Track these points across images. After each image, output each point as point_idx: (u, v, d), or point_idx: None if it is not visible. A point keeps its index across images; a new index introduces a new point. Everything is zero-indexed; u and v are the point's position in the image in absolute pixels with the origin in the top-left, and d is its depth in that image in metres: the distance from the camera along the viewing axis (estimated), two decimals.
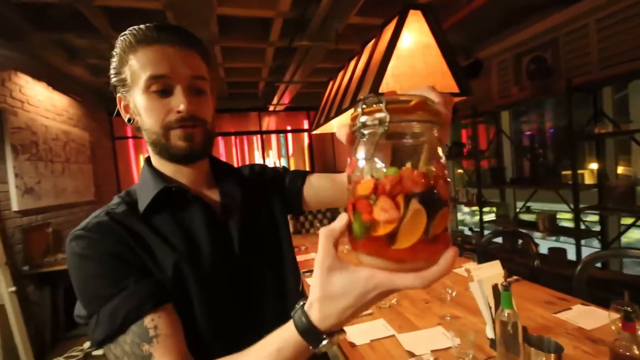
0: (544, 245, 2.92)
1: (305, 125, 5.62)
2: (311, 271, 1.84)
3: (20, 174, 2.54)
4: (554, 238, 3.97)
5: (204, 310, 0.51)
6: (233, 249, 0.57)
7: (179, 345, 0.46)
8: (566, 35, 2.66)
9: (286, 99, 4.48)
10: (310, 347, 0.35)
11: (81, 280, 0.48)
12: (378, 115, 0.28)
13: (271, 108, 4.96)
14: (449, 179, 0.30)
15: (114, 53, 0.54)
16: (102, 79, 3.67)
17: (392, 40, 1.33)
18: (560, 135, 3.44)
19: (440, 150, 0.31)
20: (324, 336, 0.35)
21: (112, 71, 0.55)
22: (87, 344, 2.63)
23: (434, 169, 0.29)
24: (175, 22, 2.39)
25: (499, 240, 3.26)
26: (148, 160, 0.61)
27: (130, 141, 4.78)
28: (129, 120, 0.57)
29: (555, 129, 3.55)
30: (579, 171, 2.66)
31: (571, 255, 2.54)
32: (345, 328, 1.08)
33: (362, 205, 0.29)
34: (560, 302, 1.21)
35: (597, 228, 2.60)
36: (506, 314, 0.81)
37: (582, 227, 2.51)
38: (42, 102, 3.00)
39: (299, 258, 2.16)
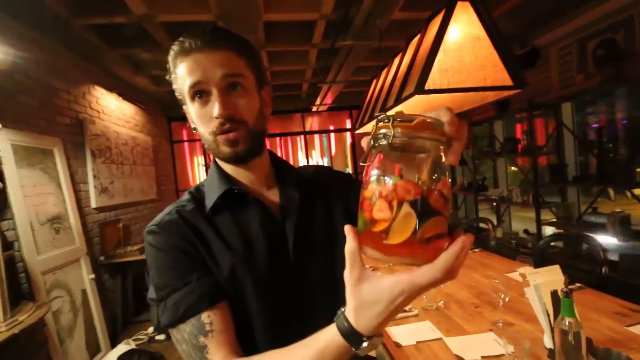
0: (616, 251, 2.61)
1: (348, 125, 5.62)
2: None
3: (97, 175, 2.89)
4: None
5: (256, 310, 0.55)
6: (288, 250, 0.59)
7: (231, 341, 0.51)
8: None
9: (329, 99, 4.53)
10: (353, 349, 0.39)
11: (155, 269, 0.55)
12: (385, 131, 0.33)
13: (314, 109, 5.05)
14: (448, 195, 0.34)
15: (168, 69, 0.57)
16: (163, 88, 4.02)
17: (438, 34, 1.30)
18: (634, 128, 3.05)
19: (442, 167, 0.34)
20: (364, 338, 0.38)
21: (173, 86, 0.58)
22: (151, 329, 2.92)
23: (430, 182, 0.33)
24: None
25: (560, 244, 2.98)
26: (216, 160, 0.64)
27: (186, 144, 5.17)
28: (194, 129, 0.60)
29: (629, 121, 3.15)
30: None
31: None
32: (390, 328, 1.08)
33: (366, 205, 0.35)
34: (634, 315, 1.09)
35: None
36: (567, 323, 0.75)
37: None
38: (114, 111, 3.37)
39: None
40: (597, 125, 3.26)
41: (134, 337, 2.81)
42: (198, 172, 5.25)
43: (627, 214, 2.50)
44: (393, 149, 0.34)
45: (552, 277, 0.94)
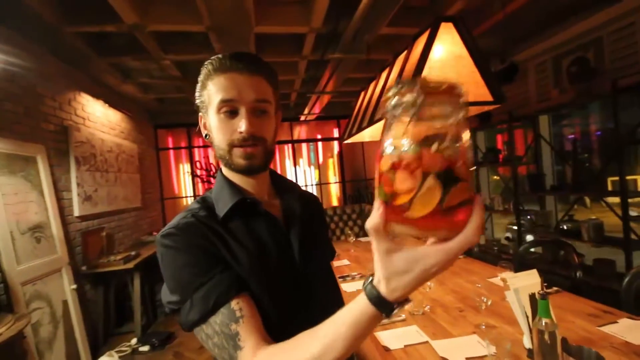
0: (591, 256, 2.74)
1: (336, 134, 5.70)
2: (344, 277, 1.89)
3: (81, 183, 2.83)
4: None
5: (268, 307, 0.58)
6: (294, 256, 0.65)
7: (260, 328, 0.53)
8: (611, 35, 2.54)
9: (317, 109, 4.60)
10: (384, 315, 0.41)
11: (175, 270, 0.56)
12: (410, 96, 0.31)
13: (302, 118, 5.11)
14: (470, 159, 0.34)
15: (199, 79, 0.63)
16: (150, 96, 3.99)
17: (424, 52, 1.37)
18: (606, 139, 3.24)
19: (464, 131, 0.33)
20: (395, 305, 0.40)
21: (196, 94, 0.64)
22: (134, 340, 2.84)
23: (454, 151, 0.32)
24: (217, 42, 2.59)
25: (539, 250, 3.11)
26: (222, 170, 0.69)
27: (172, 152, 5.12)
28: (206, 135, 0.66)
29: (602, 133, 3.34)
30: (628, 177, 2.49)
31: (621, 268, 2.38)
32: (379, 333, 1.14)
33: (385, 179, 0.34)
34: (605, 315, 1.16)
35: None
36: (544, 323, 0.81)
37: (634, 237, 2.34)
38: (100, 118, 3.33)
39: (333, 263, 2.22)
40: (572, 136, 3.44)
41: (116, 349, 2.73)
42: (184, 180, 5.19)
43: (600, 221, 2.64)
44: (418, 116, 0.31)
45: (530, 281, 1.00)
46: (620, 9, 2.39)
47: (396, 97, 0.32)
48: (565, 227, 2.88)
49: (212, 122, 0.62)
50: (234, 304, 0.53)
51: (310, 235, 0.69)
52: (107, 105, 3.46)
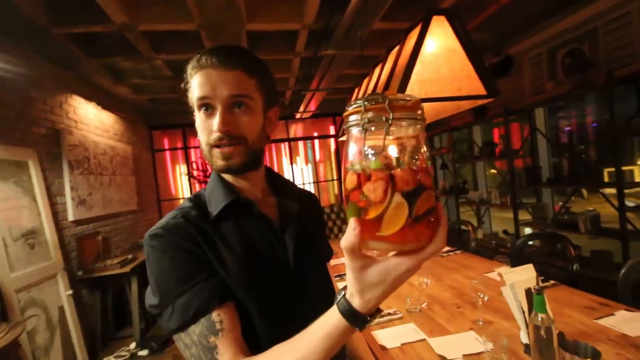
0: (588, 248, 2.75)
1: (332, 131, 5.68)
2: (341, 275, 1.88)
3: (75, 187, 2.80)
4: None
5: (259, 312, 0.57)
6: (288, 257, 0.63)
7: (238, 339, 0.52)
8: (606, 25, 2.52)
9: (313, 106, 4.57)
10: (357, 329, 0.41)
11: (159, 274, 0.55)
12: (377, 113, 0.32)
13: (298, 115, 5.08)
14: (430, 166, 0.35)
15: (185, 76, 0.61)
16: (143, 96, 3.96)
17: (416, 46, 1.35)
18: (603, 131, 3.24)
19: (425, 142, 0.35)
20: (368, 318, 0.41)
21: (188, 94, 0.62)
22: (133, 345, 2.83)
23: (419, 162, 0.33)
24: (209, 40, 2.56)
25: (537, 243, 3.11)
26: None
27: (167, 153, 5.08)
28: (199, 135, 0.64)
29: (598, 124, 3.34)
30: (624, 168, 2.48)
31: (618, 259, 2.38)
32: (376, 332, 1.14)
33: (355, 195, 0.34)
34: (602, 308, 1.16)
35: None
36: (540, 318, 0.80)
37: (630, 228, 2.34)
38: (93, 121, 3.29)
39: (330, 263, 2.21)
40: (568, 128, 3.44)
41: (115, 354, 2.71)
42: (180, 181, 5.16)
43: (597, 212, 2.64)
44: (388, 132, 0.32)
45: (526, 275, 0.99)
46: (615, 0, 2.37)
47: (363, 114, 0.33)
48: (562, 219, 2.88)
49: (196, 121, 0.60)
50: (215, 315, 0.51)
51: (306, 235, 0.67)
52: (99, 107, 3.42)
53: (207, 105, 0.58)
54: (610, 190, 2.40)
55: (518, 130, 3.81)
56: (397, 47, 1.57)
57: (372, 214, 0.33)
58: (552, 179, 3.03)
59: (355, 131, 0.34)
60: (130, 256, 3.01)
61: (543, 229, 2.90)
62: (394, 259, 0.37)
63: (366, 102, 0.33)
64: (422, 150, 0.34)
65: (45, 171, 2.51)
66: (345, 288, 0.42)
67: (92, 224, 3.06)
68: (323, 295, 0.67)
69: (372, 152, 0.33)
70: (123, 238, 3.62)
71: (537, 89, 3.12)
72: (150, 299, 0.55)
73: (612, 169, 2.35)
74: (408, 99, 0.33)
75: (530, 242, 3.17)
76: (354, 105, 0.34)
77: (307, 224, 0.69)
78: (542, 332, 0.78)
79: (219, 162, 0.59)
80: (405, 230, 0.33)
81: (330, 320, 0.43)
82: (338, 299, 0.42)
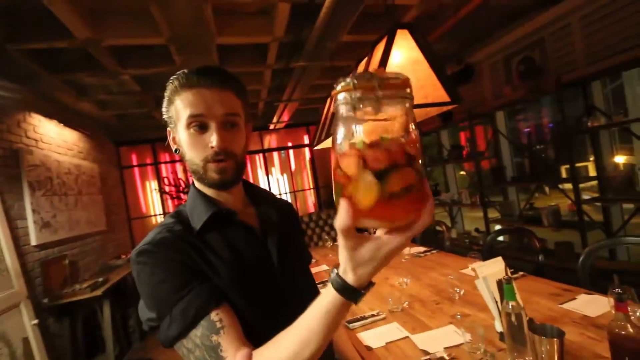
0: (553, 240, 2.94)
1: (306, 141, 5.73)
2: (324, 282, 1.89)
3: (37, 210, 2.64)
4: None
5: (250, 314, 0.59)
6: (272, 262, 0.66)
7: (240, 336, 0.54)
8: (551, 35, 2.77)
9: (286, 117, 4.61)
10: (352, 302, 0.44)
11: (152, 287, 0.55)
12: (367, 91, 0.31)
13: (271, 126, 5.09)
14: (417, 145, 0.35)
15: (165, 95, 0.63)
16: (108, 112, 3.82)
17: (383, 58, 1.43)
18: (559, 130, 3.50)
19: (412, 122, 0.36)
20: (362, 291, 0.43)
21: (163, 109, 0.64)
22: None
23: (404, 140, 0.34)
24: (178, 54, 2.53)
25: (507, 239, 3.29)
26: (194, 184, 0.69)
27: (137, 169, 4.90)
28: (176, 150, 0.65)
29: (554, 125, 3.61)
30: (579, 164, 2.70)
31: (578, 249, 2.57)
32: (361, 334, 1.18)
33: (336, 175, 0.35)
34: (566, 293, 1.25)
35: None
36: (510, 306, 0.86)
37: (587, 219, 2.54)
38: (54, 139, 3.13)
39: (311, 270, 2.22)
40: (528, 130, 3.69)
41: None
42: (151, 197, 4.98)
43: (557, 206, 2.85)
44: (379, 109, 0.32)
45: (496, 268, 1.06)
46: (558, 11, 2.62)
47: (352, 92, 0.32)
48: (527, 215, 3.07)
49: (182, 137, 0.62)
50: (214, 315, 0.53)
51: (287, 241, 0.70)
52: (61, 124, 3.26)
53: (200, 123, 0.60)
54: (569, 186, 2.60)
55: (482, 133, 4.04)
56: (366, 59, 1.64)
57: (349, 190, 0.34)
58: (516, 178, 3.23)
59: (343, 110, 0.34)
60: (101, 279, 2.86)
61: (511, 225, 3.07)
62: (384, 237, 0.39)
63: (355, 80, 0.32)
64: (410, 129, 0.35)
65: (3, 194, 2.35)
66: (337, 266, 0.44)
67: (58, 247, 2.88)
68: (308, 297, 0.69)
69: (359, 130, 0.33)
70: (92, 260, 3.43)
71: (496, 93, 3.34)
72: (146, 313, 0.56)
73: (568, 166, 2.55)
74: (398, 76, 0.34)
75: (501, 238, 3.35)
76: (343, 84, 0.33)
77: (286, 230, 0.72)
78: (513, 318, 0.83)
79: (215, 176, 0.61)
80: (384, 206, 0.33)
81: (326, 298, 0.45)
82: (331, 277, 0.44)
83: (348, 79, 0.33)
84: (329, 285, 0.44)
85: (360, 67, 1.72)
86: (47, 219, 2.74)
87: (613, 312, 0.88)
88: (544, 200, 4.55)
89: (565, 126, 2.50)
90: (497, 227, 3.37)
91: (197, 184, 0.67)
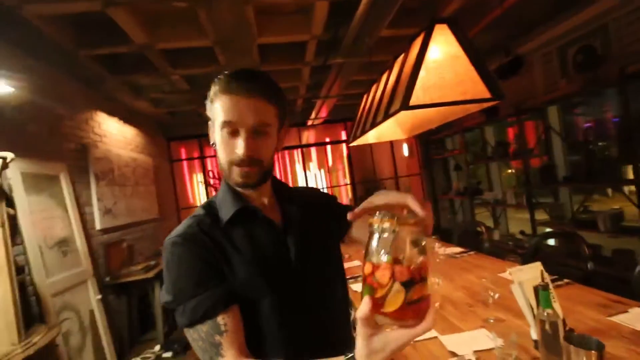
0: (611, 247, 2.68)
1: (344, 137, 5.74)
2: (354, 277, 1.92)
3: (101, 198, 2.96)
4: None
5: (267, 304, 0.64)
6: (290, 258, 0.70)
7: (241, 342, 0.60)
8: (616, 21, 2.50)
9: (324, 113, 4.65)
10: None
11: (176, 276, 0.63)
12: (390, 225, 0.47)
13: (310, 122, 5.17)
14: (427, 266, 0.47)
15: (208, 94, 0.67)
16: (161, 110, 4.14)
17: (419, 54, 1.41)
18: (621, 127, 3.16)
19: (423, 245, 0.47)
20: None
21: (207, 106, 0.68)
22: (157, 347, 2.95)
23: (417, 260, 0.46)
24: (222, 55, 2.68)
25: (556, 243, 3.05)
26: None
27: (185, 163, 5.27)
28: (213, 144, 0.70)
29: (621, 119, 3.25)
30: None
31: None
32: None
33: (370, 279, 0.48)
34: (616, 305, 1.16)
35: None
36: (545, 314, 0.83)
37: None
38: (116, 135, 3.48)
39: (344, 266, 2.25)
40: (588, 125, 3.36)
41: (141, 356, 2.83)
42: (197, 189, 5.33)
43: (617, 210, 2.59)
44: (393, 240, 0.47)
45: (534, 273, 1.02)
46: None
47: (380, 224, 0.48)
48: (580, 219, 2.83)
49: (217, 137, 0.67)
50: (220, 318, 0.59)
51: (309, 237, 0.73)
52: (121, 121, 3.61)
53: (231, 129, 0.64)
54: (633, 188, 2.35)
55: (533, 129, 3.76)
56: (403, 55, 1.62)
57: (379, 293, 0.46)
58: (568, 177, 2.98)
59: (375, 233, 0.48)
60: (153, 262, 3.15)
61: (561, 229, 2.85)
62: (393, 333, 0.48)
63: (383, 216, 0.48)
64: (421, 258, 0.47)
65: (74, 183, 2.67)
66: (352, 357, 0.52)
67: (118, 232, 3.21)
68: (322, 287, 0.74)
69: (385, 250, 0.47)
70: (146, 245, 3.78)
71: (549, 87, 3.09)
72: (164, 296, 0.63)
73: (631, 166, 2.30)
74: (411, 221, 0.47)
75: (552, 243, 3.12)
76: (377, 216, 0.48)
77: (310, 226, 0.75)
78: (547, 326, 0.81)
79: (238, 179, 0.66)
80: (402, 310, 0.46)
81: None
82: (349, 357, 0.52)
83: (380, 214, 0.48)
84: None
85: (397, 64, 1.70)
86: (109, 206, 3.07)
87: None
88: (605, 204, 4.14)
89: (629, 122, 2.26)
90: (547, 230, 3.15)
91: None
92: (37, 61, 2.38)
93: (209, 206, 0.72)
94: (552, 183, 3.07)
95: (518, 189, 3.58)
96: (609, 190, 4.63)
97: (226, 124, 0.64)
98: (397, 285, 0.45)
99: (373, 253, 0.48)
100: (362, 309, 0.47)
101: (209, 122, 0.70)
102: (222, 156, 0.67)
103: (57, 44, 2.22)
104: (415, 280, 0.46)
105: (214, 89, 0.65)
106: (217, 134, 0.66)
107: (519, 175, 3.71)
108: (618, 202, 3.35)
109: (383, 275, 0.46)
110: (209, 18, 2.10)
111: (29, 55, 2.29)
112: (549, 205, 3.21)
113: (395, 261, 0.47)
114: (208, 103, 0.68)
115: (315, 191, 0.91)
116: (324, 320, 0.72)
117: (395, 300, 0.45)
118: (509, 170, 4.65)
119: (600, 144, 3.29)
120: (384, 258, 0.47)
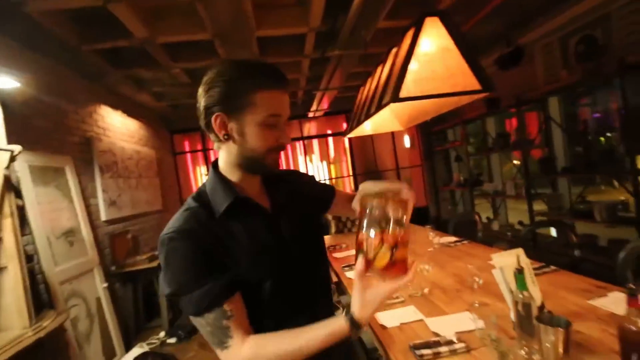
0: (607, 237, 2.70)
1: (345, 128, 5.75)
2: (349, 266, 1.97)
3: (106, 190, 3.04)
4: None
5: (270, 285, 0.69)
6: (285, 240, 0.74)
7: (246, 323, 0.66)
8: (619, 10, 2.47)
9: (325, 104, 4.67)
10: (352, 332, 0.62)
11: (177, 270, 0.64)
12: (379, 203, 0.65)
13: (311, 114, 5.19)
14: (407, 236, 0.64)
15: (225, 80, 0.65)
16: (164, 103, 4.19)
17: (410, 47, 1.43)
18: (622, 118, 3.14)
19: (404, 218, 0.63)
20: (362, 326, 0.62)
21: (218, 95, 0.65)
22: (162, 334, 3.05)
23: (401, 230, 0.63)
24: (222, 48, 2.71)
25: (555, 234, 3.08)
26: (215, 166, 0.74)
27: (188, 155, 5.33)
28: (225, 135, 0.67)
29: (626, 111, 3.23)
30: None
31: None
32: (377, 314, 1.34)
33: (361, 244, 0.64)
34: (598, 290, 1.20)
35: None
36: (520, 296, 0.87)
37: None
38: (119, 128, 3.54)
39: (340, 255, 2.31)
40: (597, 115, 3.33)
41: (147, 342, 2.94)
42: (200, 181, 5.41)
43: (613, 201, 2.60)
44: (382, 214, 0.64)
45: (514, 258, 1.06)
46: None
47: (372, 202, 0.66)
48: (578, 209, 2.85)
49: (246, 128, 0.66)
50: (225, 305, 0.63)
51: (297, 218, 0.78)
52: (125, 115, 3.67)
53: (276, 121, 0.69)
54: None
55: (535, 120, 3.75)
56: (396, 48, 1.65)
57: (371, 254, 0.62)
58: (567, 168, 2.99)
59: (368, 210, 0.65)
60: (157, 252, 3.23)
61: (559, 219, 2.87)
62: (381, 285, 0.61)
63: (374, 197, 0.66)
64: (403, 228, 0.63)
65: (80, 175, 2.75)
66: (349, 305, 0.64)
67: (123, 223, 3.30)
68: (317, 265, 0.82)
69: (376, 222, 0.64)
70: (150, 236, 3.87)
71: (550, 77, 3.07)
72: (165, 289, 0.65)
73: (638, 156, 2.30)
74: (396, 199, 0.65)
75: (554, 234, 3.13)
76: (370, 197, 0.67)
77: (296, 209, 0.79)
78: (520, 307, 0.85)
79: (273, 164, 0.72)
80: (388, 266, 0.61)
81: (336, 323, 0.62)
82: (346, 311, 0.63)
83: (375, 195, 0.67)
84: (342, 315, 0.62)
85: (391, 57, 1.72)
86: (113, 198, 3.15)
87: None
88: (611, 195, 4.12)
89: (627, 113, 2.26)
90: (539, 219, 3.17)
91: (225, 167, 0.73)
92: (42, 57, 2.44)
93: (200, 197, 0.72)
94: (551, 174, 3.08)
95: (518, 180, 3.59)
96: (615, 182, 4.61)
97: (274, 117, 0.68)
98: (384, 248, 0.61)
99: (367, 224, 0.64)
100: (358, 265, 0.61)
101: (219, 112, 0.66)
102: (260, 144, 0.67)
103: (60, 40, 2.27)
104: (398, 245, 0.61)
105: (251, 80, 0.65)
106: (247, 124, 0.66)
107: (518, 166, 3.70)
108: (622, 193, 3.35)
109: (374, 240, 0.62)
110: (207, 11, 2.13)
111: (33, 51, 2.35)
112: (548, 196, 3.22)
113: (383, 231, 0.62)
114: (231, 90, 0.64)
115: (294, 172, 0.97)
116: (315, 292, 0.79)
117: (384, 258, 0.61)
118: (515, 162, 4.63)
119: (608, 134, 3.26)
120: (376, 228, 0.63)
